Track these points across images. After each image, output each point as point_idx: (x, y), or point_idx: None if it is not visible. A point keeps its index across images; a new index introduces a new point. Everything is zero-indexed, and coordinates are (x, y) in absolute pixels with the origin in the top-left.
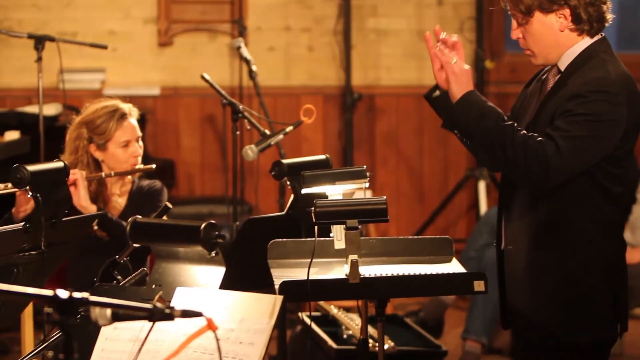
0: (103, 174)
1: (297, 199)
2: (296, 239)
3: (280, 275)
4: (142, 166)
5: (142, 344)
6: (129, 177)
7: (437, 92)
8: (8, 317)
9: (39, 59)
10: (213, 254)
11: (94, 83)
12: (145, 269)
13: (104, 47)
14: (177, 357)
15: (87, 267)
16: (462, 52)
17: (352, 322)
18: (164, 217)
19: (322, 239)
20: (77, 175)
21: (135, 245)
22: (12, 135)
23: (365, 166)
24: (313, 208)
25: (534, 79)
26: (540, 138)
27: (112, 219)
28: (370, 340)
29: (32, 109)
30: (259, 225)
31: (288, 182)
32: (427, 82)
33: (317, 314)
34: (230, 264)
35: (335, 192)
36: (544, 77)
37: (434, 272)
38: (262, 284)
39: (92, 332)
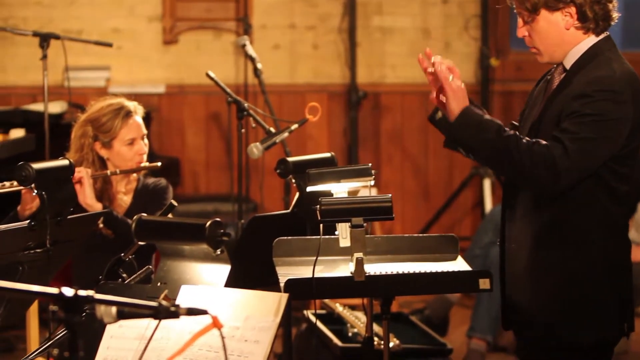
0: (108, 171)
1: (302, 197)
2: (301, 237)
3: (286, 273)
4: (147, 164)
5: (148, 342)
6: (134, 175)
7: (440, 114)
8: (13, 314)
9: (44, 57)
10: (218, 251)
11: (99, 81)
12: (150, 266)
13: (109, 45)
14: (183, 355)
15: (92, 265)
16: (456, 72)
17: (358, 320)
18: (169, 215)
19: (327, 236)
20: (83, 173)
21: (140, 243)
22: (17, 133)
23: (370, 164)
24: (318, 206)
25: (541, 80)
26: (545, 142)
27: (118, 216)
28: (376, 338)
29: (37, 106)
30: (264, 223)
31: (293, 180)
32: None
33: (323, 312)
34: (235, 261)
35: (340, 190)
36: (550, 76)
37: (439, 270)
38: (268, 282)
39: (97, 329)
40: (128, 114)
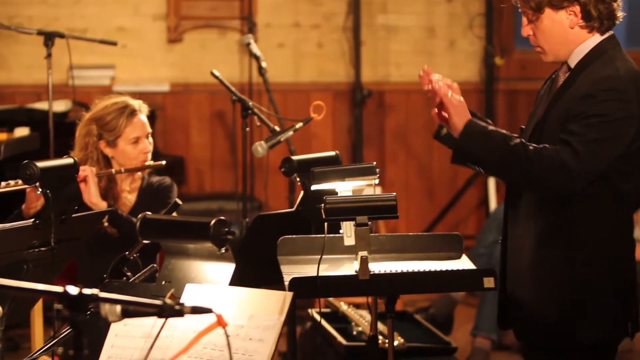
0: (113, 170)
1: (307, 196)
2: (306, 236)
3: (290, 271)
4: (152, 162)
5: (154, 341)
6: (139, 173)
7: (445, 130)
8: (18, 313)
9: (49, 56)
10: (223, 250)
11: (104, 79)
12: (155, 265)
13: (114, 44)
14: (187, 354)
15: (96, 264)
16: (454, 88)
17: (362, 319)
18: (174, 214)
19: (331, 235)
20: (87, 171)
21: (145, 241)
22: (21, 131)
23: (374, 162)
24: (323, 204)
25: (548, 79)
26: (553, 147)
27: (122, 215)
28: (380, 337)
29: (42, 105)
30: (269, 222)
31: (298, 179)
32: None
33: (327, 310)
34: (240, 260)
35: (345, 188)
36: (555, 75)
37: (444, 269)
38: (272, 281)
39: (102, 328)
40: (133, 112)
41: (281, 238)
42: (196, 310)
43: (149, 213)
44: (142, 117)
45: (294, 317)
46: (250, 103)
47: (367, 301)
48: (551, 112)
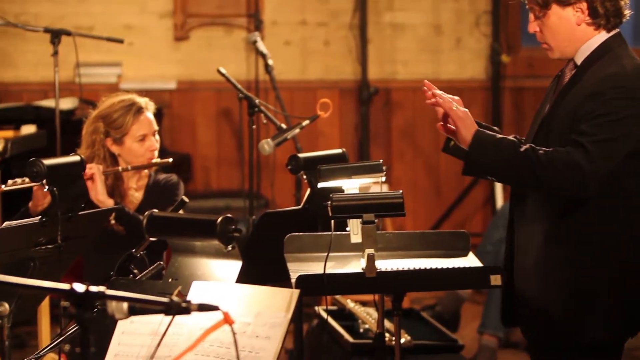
0: (120, 168)
1: (314, 193)
2: (312, 233)
3: (297, 269)
4: (158, 160)
5: (161, 338)
6: (146, 171)
7: (453, 142)
8: (25, 310)
9: (55, 53)
10: (229, 247)
11: (110, 77)
12: (161, 262)
13: (120, 41)
14: (194, 351)
15: (103, 261)
16: (456, 100)
17: (369, 316)
18: (181, 211)
19: (338, 233)
20: (94, 169)
21: (151, 239)
22: (28, 129)
23: (381, 160)
24: (329, 202)
25: (555, 78)
26: (563, 149)
27: (129, 212)
28: (387, 334)
29: (49, 103)
30: (276, 219)
31: (304, 176)
32: (443, 76)
33: (334, 308)
34: (246, 258)
35: (351, 186)
36: (561, 72)
37: (451, 266)
38: (279, 278)
39: (108, 325)
40: (139, 110)
41: (288, 236)
42: (203, 307)
43: (156, 210)
44: (149, 114)
45: (300, 314)
46: (257, 101)
47: (373, 299)
48: (557, 109)
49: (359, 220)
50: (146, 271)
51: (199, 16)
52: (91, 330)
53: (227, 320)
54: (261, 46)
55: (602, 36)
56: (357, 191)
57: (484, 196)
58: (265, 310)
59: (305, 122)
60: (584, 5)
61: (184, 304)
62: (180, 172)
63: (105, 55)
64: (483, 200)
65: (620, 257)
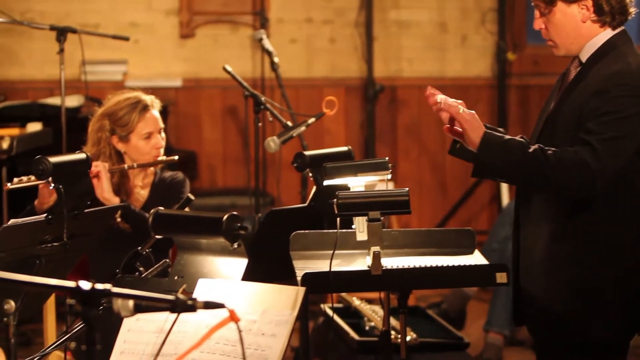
0: (125, 165)
1: (319, 191)
2: (318, 231)
3: (303, 266)
4: (164, 158)
5: (167, 336)
6: (152, 168)
7: (459, 144)
8: (30, 308)
9: (61, 51)
10: (235, 245)
11: (116, 75)
12: (167, 260)
13: (126, 39)
14: (200, 349)
15: (109, 259)
16: (461, 103)
17: (375, 314)
18: (186, 209)
19: (344, 230)
20: (100, 167)
21: (157, 236)
22: (34, 126)
23: (387, 158)
24: (335, 200)
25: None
26: (571, 148)
27: (135, 210)
28: (393, 332)
29: (54, 100)
30: (281, 217)
31: (310, 174)
32: (448, 74)
33: (339, 305)
34: (252, 255)
35: (357, 183)
36: (566, 70)
37: (456, 264)
38: (285, 276)
39: (114, 323)
40: (145, 107)
41: (293, 233)
42: (209, 305)
43: (162, 208)
44: (155, 112)
45: (306, 312)
46: (263, 98)
47: (379, 296)
48: (563, 107)
49: (365, 218)
50: (152, 269)
51: (204, 14)
52: (97, 328)
53: (233, 317)
54: (267, 44)
55: (607, 33)
56: (362, 189)
57: (490, 194)
58: (271, 307)
59: (311, 120)
60: (589, 3)
61: (189, 302)
62: (186, 170)
63: (111, 53)
64: (489, 198)
65: (626, 256)
